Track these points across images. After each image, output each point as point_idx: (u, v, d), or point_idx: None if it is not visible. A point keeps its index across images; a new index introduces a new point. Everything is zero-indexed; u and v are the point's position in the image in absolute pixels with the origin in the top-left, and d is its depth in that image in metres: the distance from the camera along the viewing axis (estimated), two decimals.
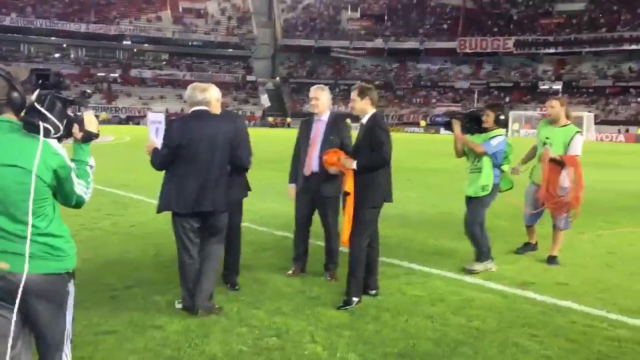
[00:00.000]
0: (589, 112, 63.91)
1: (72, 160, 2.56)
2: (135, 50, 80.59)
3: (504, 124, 6.16)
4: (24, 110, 2.41)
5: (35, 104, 2.39)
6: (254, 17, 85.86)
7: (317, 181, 5.57)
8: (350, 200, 4.93)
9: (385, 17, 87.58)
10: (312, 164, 5.59)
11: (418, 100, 79.12)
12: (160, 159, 4.56)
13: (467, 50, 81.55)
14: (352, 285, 4.97)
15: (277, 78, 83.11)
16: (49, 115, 2.39)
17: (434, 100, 78.12)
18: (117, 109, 66.44)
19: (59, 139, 2.48)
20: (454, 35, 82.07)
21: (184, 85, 75.30)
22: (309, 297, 5.15)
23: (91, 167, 2.66)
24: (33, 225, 2.42)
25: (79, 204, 2.62)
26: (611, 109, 69.14)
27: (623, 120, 64.90)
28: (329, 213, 5.69)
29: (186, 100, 4.77)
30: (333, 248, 5.73)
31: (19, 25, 72.07)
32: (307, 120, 5.87)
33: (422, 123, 68.80)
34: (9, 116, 2.42)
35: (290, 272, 5.81)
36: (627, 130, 60.26)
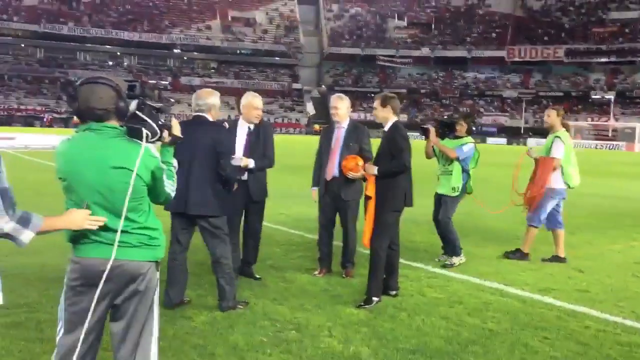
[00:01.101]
0: None
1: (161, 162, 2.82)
2: (185, 58, 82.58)
3: (472, 132, 6.88)
4: (126, 118, 2.70)
5: (137, 112, 2.69)
6: (301, 26, 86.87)
7: (338, 185, 5.89)
8: (371, 204, 5.23)
9: (433, 26, 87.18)
10: (333, 169, 5.92)
11: (464, 109, 78.25)
12: None
13: (516, 59, 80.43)
14: (372, 285, 5.20)
15: (323, 86, 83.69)
16: (150, 121, 2.69)
17: (481, 110, 77.21)
18: (166, 116, 68.06)
19: (154, 143, 2.78)
20: (502, 44, 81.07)
21: (232, 93, 76.91)
22: (331, 295, 5.40)
23: (175, 167, 2.98)
24: (134, 220, 2.69)
25: (167, 201, 2.90)
26: None
27: None
28: (348, 215, 5.99)
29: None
30: (350, 248, 6.03)
31: (76, 34, 74.94)
32: (328, 128, 6.22)
33: None
34: (114, 123, 2.69)
35: (317, 272, 6.08)
36: None
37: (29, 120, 61.01)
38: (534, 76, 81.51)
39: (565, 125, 7.08)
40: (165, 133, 2.84)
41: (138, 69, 78.92)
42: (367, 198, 5.28)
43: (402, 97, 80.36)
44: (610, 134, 64.70)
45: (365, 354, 4.07)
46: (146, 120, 2.69)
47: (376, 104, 5.46)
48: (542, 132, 67.56)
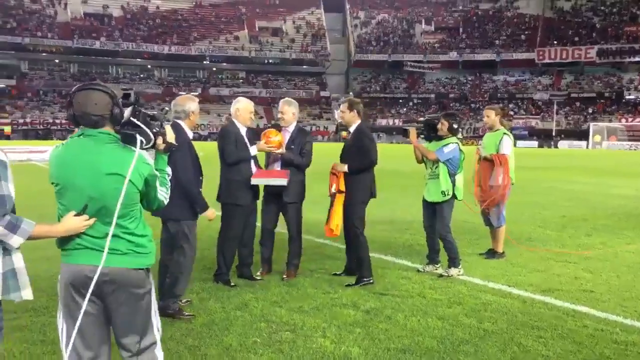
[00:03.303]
0: None
1: (155, 169, 2.84)
2: (214, 69, 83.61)
3: (456, 132, 6.36)
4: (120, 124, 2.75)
5: (132, 118, 2.73)
6: (328, 34, 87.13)
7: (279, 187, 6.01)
8: (341, 198, 5.84)
9: (460, 30, 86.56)
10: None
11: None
12: None
13: (547, 61, 79.19)
14: (364, 267, 5.92)
15: (351, 93, 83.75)
16: (144, 128, 2.74)
17: (511, 113, 76.19)
18: (197, 125, 68.99)
19: (148, 150, 2.83)
20: (532, 46, 79.96)
21: (260, 102, 77.47)
22: (332, 298, 5.45)
23: (169, 175, 3.01)
24: (124, 226, 2.70)
25: (159, 208, 2.92)
26: None
27: None
28: (290, 216, 6.14)
29: None
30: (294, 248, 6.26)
31: (108, 48, 76.57)
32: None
33: None
34: (108, 129, 2.71)
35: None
36: None
37: (64, 134, 62.53)
38: (565, 77, 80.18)
39: (503, 124, 7.19)
40: (160, 140, 2.85)
41: (168, 80, 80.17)
42: (339, 192, 5.81)
43: (430, 102, 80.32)
44: None
45: (355, 353, 4.12)
46: (140, 127, 2.73)
47: (343, 107, 6.06)
48: (574, 134, 66.69)
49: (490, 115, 7.19)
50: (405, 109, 78.90)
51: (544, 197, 13.49)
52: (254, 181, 5.81)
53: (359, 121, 6.02)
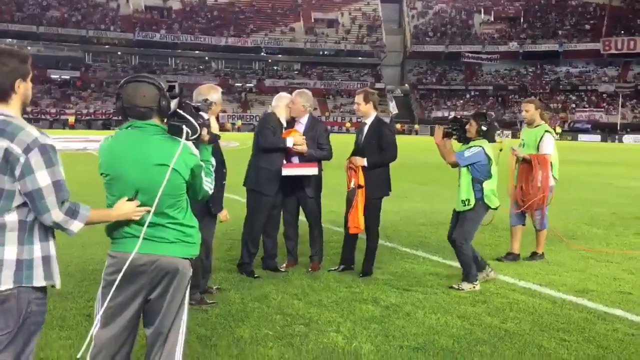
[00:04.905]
0: None
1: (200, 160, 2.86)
2: (269, 60, 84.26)
3: (487, 135, 5.62)
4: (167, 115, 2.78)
5: (178, 110, 2.78)
6: (384, 25, 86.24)
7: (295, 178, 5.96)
8: (362, 193, 5.65)
9: (521, 19, 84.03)
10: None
11: (556, 105, 74.85)
12: None
13: (613, 51, 75.92)
14: (371, 264, 5.96)
15: (406, 85, 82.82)
16: (191, 119, 2.77)
17: (573, 105, 73.60)
18: (251, 117, 69.93)
19: (193, 141, 2.85)
20: (597, 36, 76.80)
21: (314, 93, 76.71)
22: (353, 292, 5.36)
23: (213, 165, 3.03)
24: (172, 217, 2.74)
25: (204, 198, 2.95)
26: None
27: None
28: (311, 208, 6.09)
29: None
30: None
31: (167, 40, 78.32)
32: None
33: (558, 129, 65.01)
34: (156, 121, 2.75)
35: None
36: None
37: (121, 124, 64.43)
38: (632, 69, 76.72)
39: (543, 119, 6.79)
40: (204, 131, 2.87)
41: (225, 72, 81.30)
42: (359, 187, 5.62)
43: (488, 94, 78.42)
44: None
45: (366, 350, 4.03)
46: (187, 118, 2.76)
47: (359, 99, 5.85)
48: None
49: (530, 109, 6.77)
50: (461, 101, 77.29)
51: (597, 193, 12.93)
52: (285, 172, 5.78)
53: (375, 113, 5.86)
